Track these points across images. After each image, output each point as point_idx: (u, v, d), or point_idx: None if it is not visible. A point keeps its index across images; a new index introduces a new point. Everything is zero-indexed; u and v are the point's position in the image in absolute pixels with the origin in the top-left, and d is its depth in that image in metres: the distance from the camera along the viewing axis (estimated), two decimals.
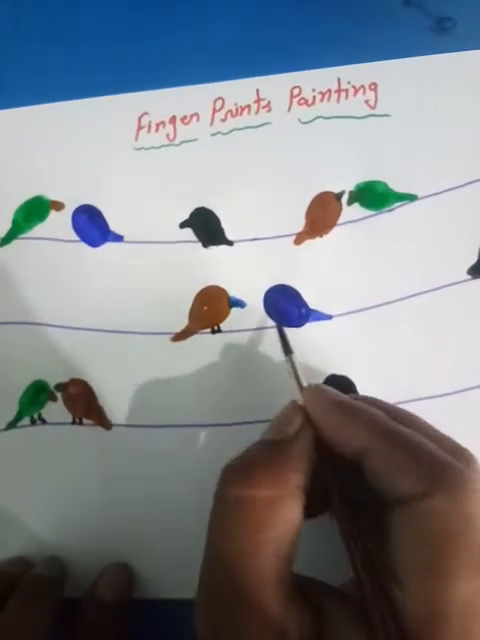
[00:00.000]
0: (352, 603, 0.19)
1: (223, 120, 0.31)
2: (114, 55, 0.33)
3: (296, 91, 0.31)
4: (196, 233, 0.31)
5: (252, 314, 0.30)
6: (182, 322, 0.30)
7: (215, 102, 0.31)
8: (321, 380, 0.29)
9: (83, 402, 0.30)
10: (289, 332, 0.29)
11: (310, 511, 0.21)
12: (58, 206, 0.32)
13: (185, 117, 0.32)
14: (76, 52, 0.33)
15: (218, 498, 0.20)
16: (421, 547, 0.18)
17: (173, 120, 0.32)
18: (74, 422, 0.30)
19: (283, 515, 0.19)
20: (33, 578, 0.27)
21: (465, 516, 0.18)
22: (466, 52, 0.30)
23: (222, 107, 0.31)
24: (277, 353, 0.29)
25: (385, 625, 0.18)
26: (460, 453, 0.20)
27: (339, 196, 0.30)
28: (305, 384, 0.23)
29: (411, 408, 0.27)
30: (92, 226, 0.31)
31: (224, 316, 0.30)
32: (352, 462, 0.20)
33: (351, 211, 0.30)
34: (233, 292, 0.30)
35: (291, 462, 0.20)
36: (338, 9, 0.32)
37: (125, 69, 0.32)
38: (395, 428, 0.20)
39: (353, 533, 0.20)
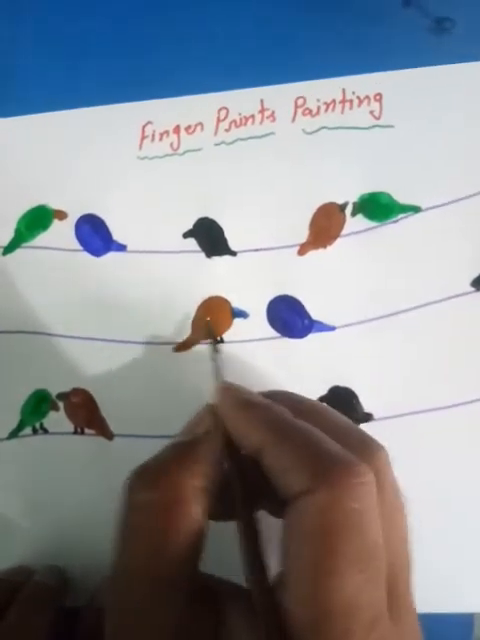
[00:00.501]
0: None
1: (227, 130, 0.31)
2: (118, 64, 0.33)
3: (300, 101, 0.31)
4: (199, 243, 0.31)
5: (255, 325, 0.30)
6: (185, 332, 0.30)
7: (219, 112, 0.31)
8: (324, 391, 0.29)
9: (85, 412, 0.30)
10: (292, 343, 0.29)
11: (225, 513, 0.20)
12: (61, 215, 0.32)
13: (189, 127, 0.32)
14: (80, 61, 0.33)
15: (121, 503, 0.19)
16: (303, 546, 0.17)
17: (177, 130, 0.32)
18: (76, 432, 0.30)
19: (181, 518, 0.18)
20: (34, 586, 0.27)
21: (345, 511, 0.17)
22: (471, 63, 0.30)
23: (226, 117, 0.31)
24: (280, 364, 0.29)
25: (269, 631, 0.17)
26: (366, 445, 0.20)
27: (343, 207, 0.30)
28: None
29: (415, 420, 0.28)
30: (95, 235, 0.31)
31: (227, 327, 0.30)
32: (256, 461, 0.20)
33: (355, 222, 0.30)
34: (236, 303, 0.30)
35: (192, 463, 0.20)
36: (337, 10, 0.32)
37: (129, 78, 0.32)
38: (288, 424, 0.19)
39: (246, 535, 0.19)
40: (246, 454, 0.20)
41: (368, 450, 0.19)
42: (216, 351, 0.25)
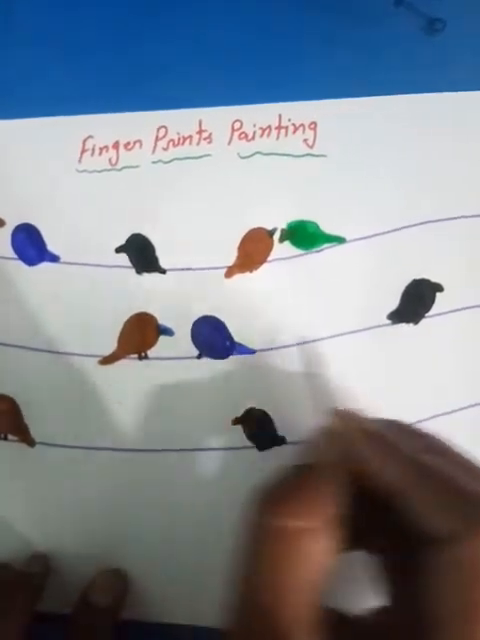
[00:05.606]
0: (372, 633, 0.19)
1: (165, 149, 0.32)
2: (62, 77, 0.33)
3: (237, 125, 0.31)
4: (130, 259, 0.31)
5: (179, 343, 0.30)
6: (111, 346, 0.31)
7: (158, 130, 0.32)
8: (240, 413, 0.29)
9: (9, 418, 0.31)
10: (213, 363, 0.30)
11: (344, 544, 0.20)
12: None
13: (128, 143, 0.32)
14: (25, 72, 0.33)
15: (250, 524, 0.18)
16: (454, 593, 0.17)
17: (116, 145, 0.32)
18: None
19: (318, 548, 0.17)
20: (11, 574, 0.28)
21: None
22: (405, 96, 0.31)
23: (165, 135, 0.32)
24: (201, 383, 0.30)
25: None
26: None
27: (271, 233, 0.30)
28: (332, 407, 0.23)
29: None
30: (29, 245, 0.32)
31: (152, 343, 0.30)
32: (383, 495, 0.19)
33: (282, 249, 0.30)
34: (162, 320, 0.31)
35: (328, 490, 0.18)
36: (327, 10, 0.32)
37: (73, 92, 0.33)
38: (426, 462, 0.19)
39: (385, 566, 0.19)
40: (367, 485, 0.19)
41: None
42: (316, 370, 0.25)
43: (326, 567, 0.18)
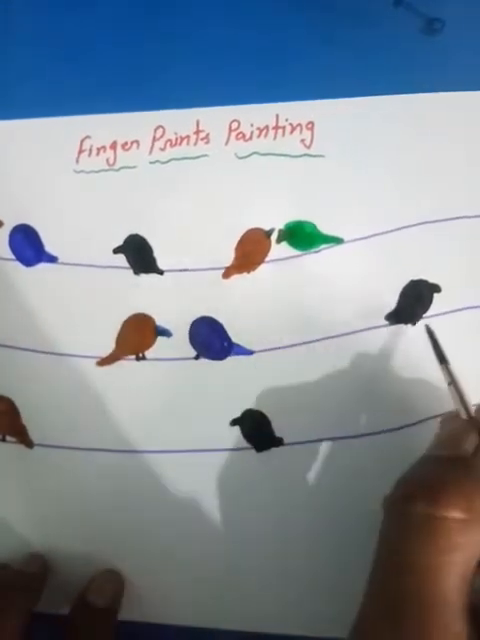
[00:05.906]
0: None
1: (162, 149, 0.32)
2: (60, 78, 0.33)
3: (235, 125, 0.31)
4: (128, 260, 0.31)
5: (177, 344, 0.30)
6: (109, 347, 0.31)
7: (156, 130, 0.32)
8: (238, 414, 0.29)
9: (7, 419, 0.31)
10: (211, 364, 0.30)
11: None
12: None
13: (126, 143, 0.32)
14: (24, 74, 0.33)
15: (402, 513, 0.19)
16: None
17: (114, 146, 0.32)
18: None
19: (474, 540, 0.18)
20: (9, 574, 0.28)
21: None
22: (404, 96, 0.30)
23: (162, 136, 0.32)
24: (198, 383, 0.30)
25: None
26: None
27: (269, 233, 0.30)
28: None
29: (324, 447, 0.28)
30: (27, 245, 0.32)
31: (149, 344, 0.30)
32: None
33: (279, 249, 0.30)
34: (160, 321, 0.31)
35: (478, 483, 0.19)
36: (326, 10, 0.32)
37: (70, 92, 0.33)
38: None
39: None
40: None
41: None
42: (446, 360, 0.25)
43: (477, 556, 0.18)
